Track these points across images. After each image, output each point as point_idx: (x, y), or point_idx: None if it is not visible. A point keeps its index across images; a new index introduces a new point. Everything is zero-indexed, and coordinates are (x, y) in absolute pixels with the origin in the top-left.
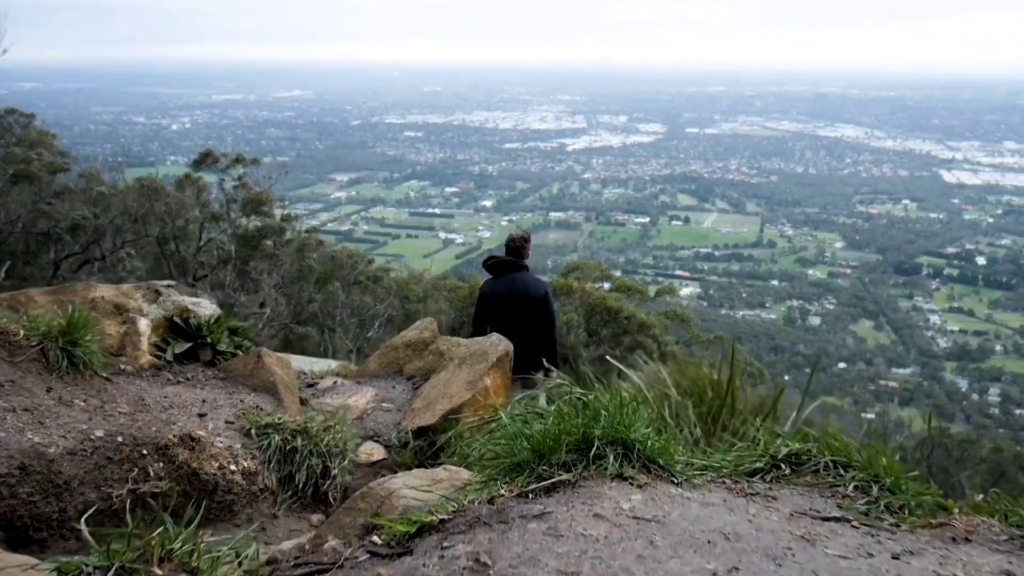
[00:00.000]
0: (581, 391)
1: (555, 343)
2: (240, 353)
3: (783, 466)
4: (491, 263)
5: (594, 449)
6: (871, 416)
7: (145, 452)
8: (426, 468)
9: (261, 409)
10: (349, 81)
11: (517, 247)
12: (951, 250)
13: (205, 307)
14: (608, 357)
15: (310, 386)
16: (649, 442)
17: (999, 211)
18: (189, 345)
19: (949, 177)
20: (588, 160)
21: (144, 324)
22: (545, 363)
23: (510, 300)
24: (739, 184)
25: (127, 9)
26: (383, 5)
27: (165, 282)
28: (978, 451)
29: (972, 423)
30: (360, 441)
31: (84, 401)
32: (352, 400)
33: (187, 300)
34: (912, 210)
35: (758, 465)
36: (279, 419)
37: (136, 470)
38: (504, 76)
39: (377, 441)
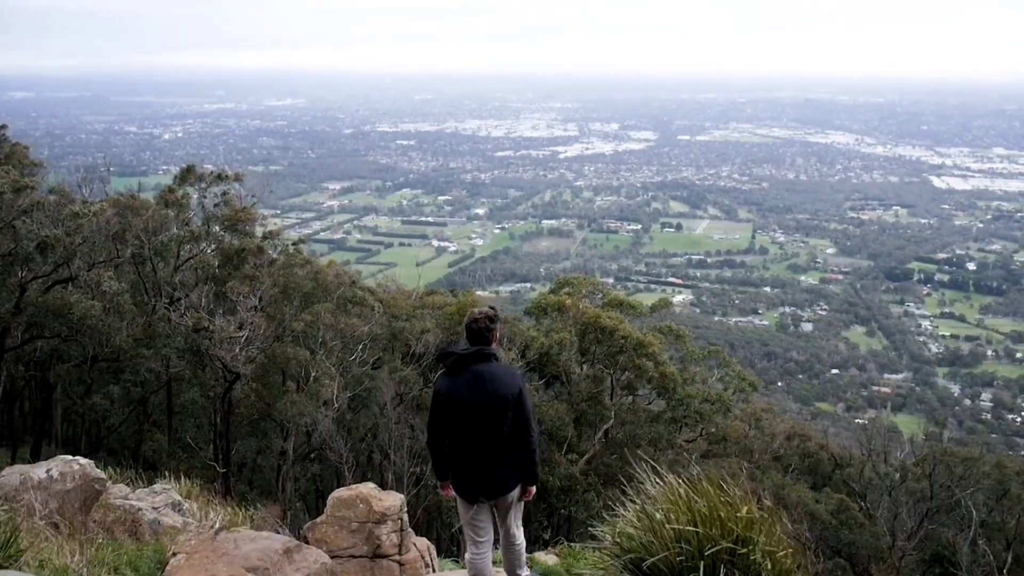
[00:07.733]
0: None
1: (534, 454)
2: None
3: None
4: (450, 360)
5: None
6: (863, 422)
7: None
8: None
9: None
10: (341, 89)
11: (481, 329)
12: (942, 255)
13: None
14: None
15: None
16: None
17: (989, 216)
18: None
19: (939, 183)
20: (580, 167)
21: None
22: (522, 482)
23: (474, 403)
24: (731, 191)
25: (119, 17)
26: (375, 12)
27: None
28: (980, 468)
29: (965, 428)
30: None
31: None
32: None
33: None
34: (902, 216)
35: None
36: None
37: None
38: (496, 83)
39: None
